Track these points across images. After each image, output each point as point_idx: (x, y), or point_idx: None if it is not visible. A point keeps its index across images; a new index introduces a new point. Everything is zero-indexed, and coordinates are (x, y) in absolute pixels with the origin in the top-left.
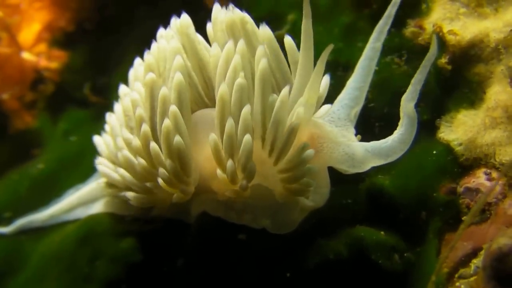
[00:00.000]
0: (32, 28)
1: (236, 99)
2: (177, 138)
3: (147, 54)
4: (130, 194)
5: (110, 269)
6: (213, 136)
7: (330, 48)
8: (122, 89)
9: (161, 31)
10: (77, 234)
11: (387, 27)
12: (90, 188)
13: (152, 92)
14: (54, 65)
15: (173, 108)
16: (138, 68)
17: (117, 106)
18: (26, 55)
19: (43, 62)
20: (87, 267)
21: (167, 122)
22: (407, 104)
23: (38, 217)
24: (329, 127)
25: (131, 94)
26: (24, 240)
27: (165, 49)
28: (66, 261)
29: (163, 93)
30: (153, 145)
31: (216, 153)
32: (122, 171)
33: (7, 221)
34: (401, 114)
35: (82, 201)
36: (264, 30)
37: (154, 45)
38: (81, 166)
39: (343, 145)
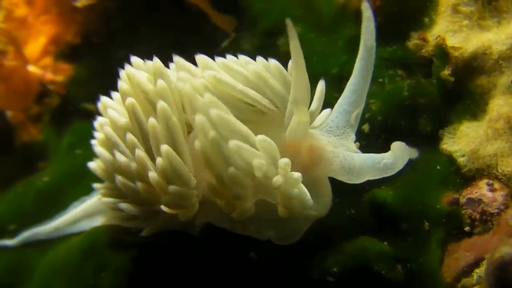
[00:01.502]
0: (38, 41)
1: (216, 159)
2: (175, 187)
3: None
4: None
5: (115, 281)
6: (207, 179)
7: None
8: (99, 119)
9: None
10: (81, 246)
11: (372, 26)
12: (95, 201)
13: (136, 117)
14: (59, 78)
15: (165, 148)
16: (106, 101)
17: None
18: (32, 68)
19: (49, 75)
20: (92, 279)
21: (162, 163)
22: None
23: (43, 229)
24: (327, 137)
25: (119, 120)
26: (29, 252)
27: (135, 75)
28: (71, 273)
29: (151, 125)
30: (151, 174)
31: (212, 191)
32: (124, 205)
33: (12, 234)
34: (392, 148)
35: (87, 213)
36: (254, 67)
37: (123, 72)
38: (86, 178)
39: (340, 157)
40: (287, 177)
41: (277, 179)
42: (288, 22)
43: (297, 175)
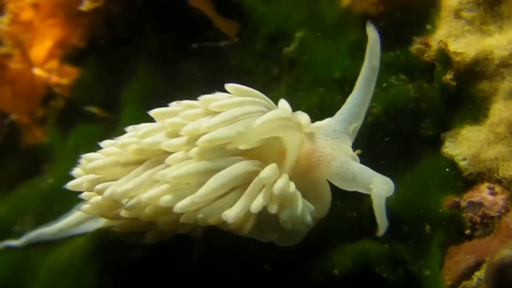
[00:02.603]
0: (44, 44)
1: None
2: None
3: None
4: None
5: (118, 282)
6: None
7: None
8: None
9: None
10: (85, 247)
11: (377, 48)
12: None
13: None
14: (65, 81)
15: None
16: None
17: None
18: (38, 71)
19: (54, 78)
20: (95, 280)
21: None
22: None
23: (47, 230)
24: (324, 140)
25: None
26: (34, 253)
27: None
28: (74, 274)
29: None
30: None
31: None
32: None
33: (17, 235)
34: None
35: (91, 215)
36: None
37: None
38: None
39: (337, 161)
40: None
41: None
42: None
43: (291, 188)
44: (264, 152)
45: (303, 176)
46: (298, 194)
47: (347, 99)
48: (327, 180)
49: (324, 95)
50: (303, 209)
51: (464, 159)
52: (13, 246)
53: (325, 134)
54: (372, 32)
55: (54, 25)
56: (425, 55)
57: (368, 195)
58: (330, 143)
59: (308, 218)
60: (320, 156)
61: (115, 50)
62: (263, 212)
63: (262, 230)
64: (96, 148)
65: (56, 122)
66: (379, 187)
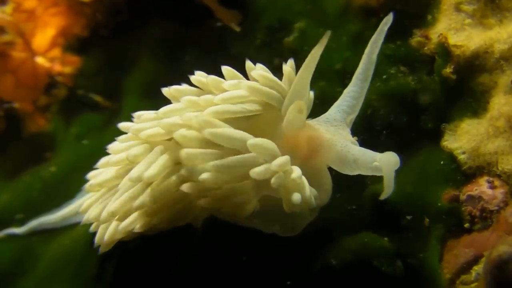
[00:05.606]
0: (46, 33)
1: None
2: None
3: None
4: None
5: (118, 271)
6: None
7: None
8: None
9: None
10: (87, 236)
11: (381, 41)
12: None
13: None
14: (67, 70)
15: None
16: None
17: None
18: (40, 60)
19: (57, 67)
20: (96, 269)
21: None
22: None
23: (50, 218)
24: (324, 127)
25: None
26: (36, 241)
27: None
28: (76, 262)
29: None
30: None
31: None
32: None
33: (20, 223)
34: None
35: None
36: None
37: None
38: (92, 169)
39: (338, 146)
40: (286, 179)
41: (274, 181)
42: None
43: (295, 174)
44: (266, 132)
45: (305, 163)
46: (304, 178)
47: (344, 91)
48: (327, 168)
49: (324, 86)
50: (310, 191)
51: (464, 153)
52: (15, 233)
53: (326, 121)
54: (383, 25)
55: (56, 14)
56: (425, 48)
57: (368, 188)
58: (330, 130)
59: (313, 200)
60: (321, 142)
61: (118, 39)
62: (268, 204)
63: (265, 221)
64: (98, 137)
65: (58, 111)
66: (386, 158)
